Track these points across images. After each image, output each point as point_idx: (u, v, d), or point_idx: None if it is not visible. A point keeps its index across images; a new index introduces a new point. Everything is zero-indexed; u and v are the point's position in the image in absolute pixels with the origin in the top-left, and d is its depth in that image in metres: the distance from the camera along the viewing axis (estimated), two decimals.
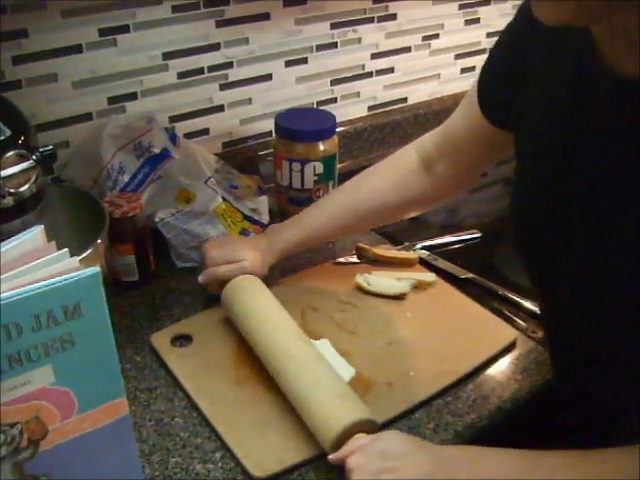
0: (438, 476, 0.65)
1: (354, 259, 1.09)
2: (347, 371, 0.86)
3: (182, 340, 0.92)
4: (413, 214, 1.01)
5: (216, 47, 1.20)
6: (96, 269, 0.55)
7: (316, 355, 0.82)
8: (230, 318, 0.93)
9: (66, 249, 0.57)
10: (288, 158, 1.13)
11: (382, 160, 0.98)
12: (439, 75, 1.51)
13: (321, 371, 0.79)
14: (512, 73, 0.74)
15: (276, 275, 1.01)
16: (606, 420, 0.71)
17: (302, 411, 0.77)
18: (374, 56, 1.40)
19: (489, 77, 0.80)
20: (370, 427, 0.73)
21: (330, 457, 0.72)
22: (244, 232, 1.09)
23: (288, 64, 1.29)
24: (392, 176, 0.95)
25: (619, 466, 0.60)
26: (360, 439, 0.71)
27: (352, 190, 0.97)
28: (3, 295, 0.52)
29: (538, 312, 0.97)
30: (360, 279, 1.02)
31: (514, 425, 0.84)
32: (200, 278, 0.96)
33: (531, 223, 0.73)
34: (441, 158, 0.90)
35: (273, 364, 0.82)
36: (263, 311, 0.89)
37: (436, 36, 1.46)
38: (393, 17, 1.38)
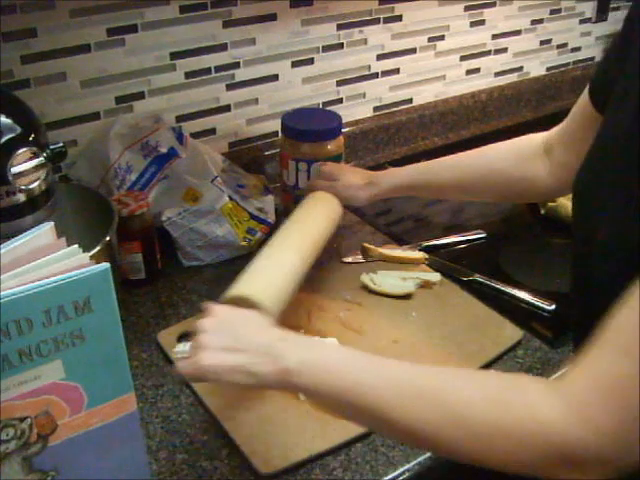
0: (275, 351, 0.64)
1: (360, 259, 1.10)
2: None
3: (188, 338, 0.92)
4: (526, 200, 1.03)
5: (223, 47, 1.20)
6: (106, 265, 0.56)
7: (291, 245, 0.89)
8: None
9: (76, 245, 0.58)
10: (294, 158, 1.13)
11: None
12: (444, 76, 1.52)
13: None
14: (620, 58, 0.73)
15: None
16: None
17: None
18: (380, 57, 1.40)
19: (603, 62, 0.80)
20: (250, 305, 0.75)
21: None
22: (250, 231, 1.10)
23: (294, 65, 1.30)
24: (515, 149, 0.98)
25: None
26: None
27: (476, 154, 1.00)
28: (14, 290, 0.52)
29: (543, 312, 0.98)
30: (366, 278, 1.02)
31: None
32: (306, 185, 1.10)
33: (593, 204, 0.71)
34: (560, 144, 0.92)
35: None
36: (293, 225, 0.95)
37: (442, 37, 1.46)
38: (399, 18, 1.38)
